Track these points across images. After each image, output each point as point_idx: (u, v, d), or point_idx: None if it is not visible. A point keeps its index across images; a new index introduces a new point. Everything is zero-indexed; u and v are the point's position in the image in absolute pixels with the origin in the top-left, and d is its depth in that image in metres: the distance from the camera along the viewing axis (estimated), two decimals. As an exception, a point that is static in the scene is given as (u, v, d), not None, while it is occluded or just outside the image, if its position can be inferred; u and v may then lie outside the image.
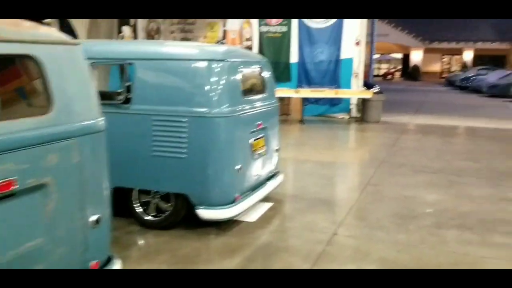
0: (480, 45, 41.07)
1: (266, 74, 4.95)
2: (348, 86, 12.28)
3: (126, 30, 12.01)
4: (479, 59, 39.98)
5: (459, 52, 42.85)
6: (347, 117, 12.29)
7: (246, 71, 4.52)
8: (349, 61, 12.30)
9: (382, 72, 46.18)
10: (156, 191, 4.16)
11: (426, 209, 4.87)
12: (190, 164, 3.94)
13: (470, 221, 4.52)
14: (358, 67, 12.34)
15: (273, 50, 12.59)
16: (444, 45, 42.19)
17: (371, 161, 7.41)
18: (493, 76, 25.23)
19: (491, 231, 4.27)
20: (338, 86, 12.26)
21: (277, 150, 5.03)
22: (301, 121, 11.29)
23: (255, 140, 4.44)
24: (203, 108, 3.90)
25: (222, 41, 12.82)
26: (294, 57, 12.47)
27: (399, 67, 46.86)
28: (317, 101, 12.15)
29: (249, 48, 12.66)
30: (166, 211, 4.15)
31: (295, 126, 10.88)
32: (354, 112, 12.22)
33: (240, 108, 4.16)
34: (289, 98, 11.57)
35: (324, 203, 5.02)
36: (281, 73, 12.56)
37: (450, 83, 33.11)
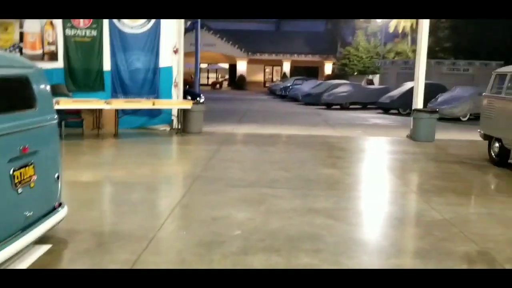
0: (296, 57, 44.93)
1: (38, 85, 3.95)
2: (168, 96, 11.70)
3: None
4: (296, 70, 43.71)
5: (279, 63, 46.24)
6: (168, 128, 11.68)
7: (2, 81, 3.49)
8: (169, 69, 11.72)
9: (210, 81, 47.13)
10: None
11: (235, 231, 4.47)
12: None
13: (278, 241, 4.25)
14: (178, 76, 11.84)
15: (83, 56, 11.29)
16: (265, 56, 45.04)
17: (185, 178, 6.88)
18: (307, 86, 27.59)
19: (297, 250, 4.04)
20: (158, 96, 11.59)
21: (58, 178, 4.07)
22: (116, 135, 10.26)
23: (18, 169, 3.44)
24: None
25: (18, 44, 10.98)
26: (107, 64, 11.37)
27: (227, 76, 48.47)
28: (134, 112, 11.26)
29: (53, 53, 11.13)
30: None
31: (107, 141, 9.80)
32: (176, 123, 11.66)
33: (-12, 130, 3.13)
34: (101, 110, 10.40)
35: (120, 238, 4.23)
36: (93, 81, 11.35)
37: (272, 92, 35.35)
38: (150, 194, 6.01)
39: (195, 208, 5.26)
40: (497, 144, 8.23)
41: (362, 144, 11.08)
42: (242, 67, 45.66)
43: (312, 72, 42.91)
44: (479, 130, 8.94)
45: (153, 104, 10.64)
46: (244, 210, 5.18)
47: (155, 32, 11.46)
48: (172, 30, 11.51)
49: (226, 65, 47.80)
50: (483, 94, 9.14)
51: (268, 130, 12.73)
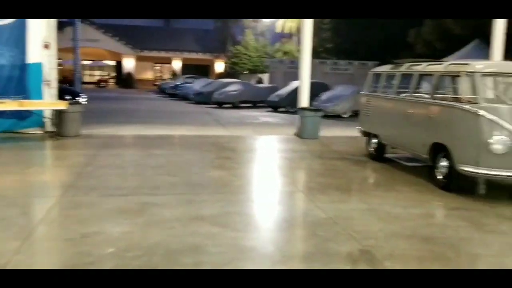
0: (187, 55, 44.30)
1: None
2: (39, 95, 10.51)
3: None
4: (187, 68, 43.06)
5: (169, 61, 45.19)
6: (40, 132, 10.50)
7: None
8: (38, 66, 10.53)
9: (95, 79, 44.47)
10: None
11: (107, 249, 3.97)
12: None
13: (156, 257, 3.85)
14: (50, 74, 10.70)
15: None
16: (155, 53, 43.72)
17: (54, 189, 6.10)
18: (198, 84, 27.20)
19: (177, 265, 3.69)
20: (27, 96, 10.36)
21: None
22: (-25, 141, 8.93)
23: None
24: None
25: None
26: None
27: (113, 74, 46.07)
28: (-1, 114, 9.95)
29: None
30: None
31: (-37, 149, 8.45)
32: (49, 126, 10.52)
33: None
34: (-46, 112, 8.96)
35: (-38, 268, 3.50)
36: None
37: (162, 90, 34.34)
38: (10, 210, 5.15)
39: (63, 224, 4.62)
40: (374, 140, 8.67)
41: (252, 144, 11.03)
42: (129, 64, 43.76)
43: (203, 70, 42.63)
44: (358, 127, 9.38)
45: (21, 105, 9.45)
46: (120, 223, 4.68)
47: (20, 25, 10.21)
48: (41, 22, 10.35)
49: (112, 62, 45.45)
50: (361, 92, 9.61)
51: (155, 131, 12.12)
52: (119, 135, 11.31)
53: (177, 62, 45.02)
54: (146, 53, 43.29)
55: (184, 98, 27.21)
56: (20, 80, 10.42)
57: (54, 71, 10.88)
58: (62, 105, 10.12)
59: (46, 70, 10.55)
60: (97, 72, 45.93)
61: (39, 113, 10.53)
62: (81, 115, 10.68)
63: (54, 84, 10.87)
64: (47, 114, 10.56)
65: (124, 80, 42.64)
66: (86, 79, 43.61)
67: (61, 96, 17.88)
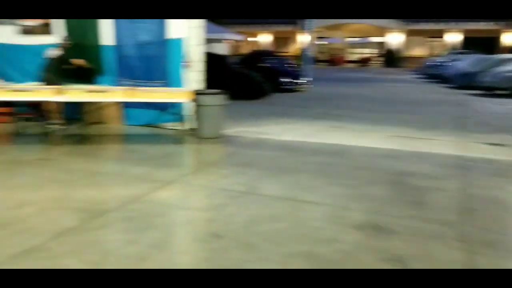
0: (464, 25, 35.97)
1: None
2: (178, 81, 7.89)
3: None
4: (470, 42, 34.80)
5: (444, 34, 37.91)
6: (180, 127, 8.01)
7: None
8: (179, 42, 7.86)
9: (357, 57, 41.51)
10: None
11: None
12: None
13: None
14: (193, 53, 7.88)
15: (75, 28, 8.30)
16: (426, 26, 37.20)
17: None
18: (464, 62, 20.43)
19: None
20: (167, 82, 7.93)
21: None
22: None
23: None
24: None
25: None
26: (108, 38, 8.23)
27: (380, 52, 41.58)
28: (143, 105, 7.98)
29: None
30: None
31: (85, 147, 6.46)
32: (189, 121, 7.91)
33: None
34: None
35: None
36: (92, 63, 8.23)
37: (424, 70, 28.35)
38: None
39: None
40: None
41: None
42: (396, 40, 38.77)
43: (489, 44, 33.59)
44: None
45: (130, 95, 6.97)
46: None
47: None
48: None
49: (379, 39, 41.11)
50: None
51: (346, 137, 7.93)
52: (278, 141, 7.55)
53: (454, 35, 37.25)
54: (416, 26, 37.27)
55: (446, 80, 21.00)
56: (159, 62, 7.99)
57: (200, 47, 7.97)
58: (183, 96, 7.20)
59: (189, 47, 7.79)
60: (362, 50, 42.75)
61: (177, 105, 7.95)
62: (223, 109, 7.52)
63: (198, 66, 7.97)
64: (187, 106, 7.85)
65: (388, 58, 38.09)
66: (350, 58, 41.33)
67: (274, 79, 15.41)
